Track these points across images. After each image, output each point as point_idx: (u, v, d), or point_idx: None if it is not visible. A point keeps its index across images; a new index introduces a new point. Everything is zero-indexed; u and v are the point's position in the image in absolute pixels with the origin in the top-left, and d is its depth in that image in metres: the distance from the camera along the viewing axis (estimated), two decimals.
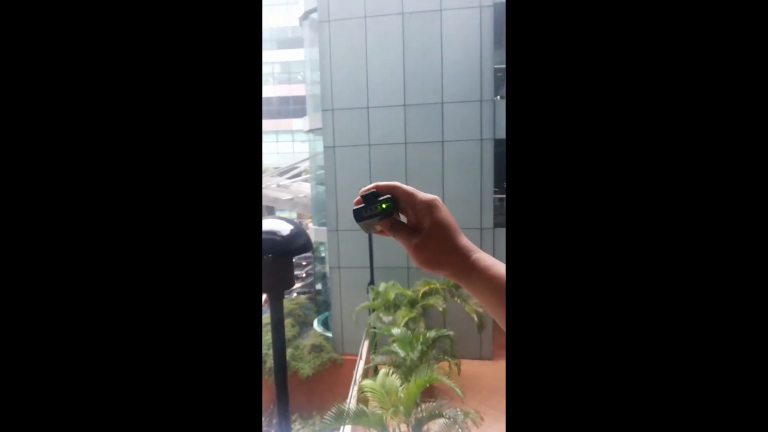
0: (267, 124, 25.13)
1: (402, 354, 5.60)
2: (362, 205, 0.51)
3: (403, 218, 0.53)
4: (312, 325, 9.61)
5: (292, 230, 1.94)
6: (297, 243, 1.96)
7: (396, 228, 0.52)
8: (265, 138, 25.29)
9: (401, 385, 4.81)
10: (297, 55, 23.24)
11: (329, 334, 9.09)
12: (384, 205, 0.50)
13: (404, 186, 0.51)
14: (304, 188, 13.18)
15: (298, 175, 14.37)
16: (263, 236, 1.93)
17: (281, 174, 15.67)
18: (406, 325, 6.35)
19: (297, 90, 23.89)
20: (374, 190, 0.51)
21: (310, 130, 9.84)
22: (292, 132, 24.61)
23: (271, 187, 13.76)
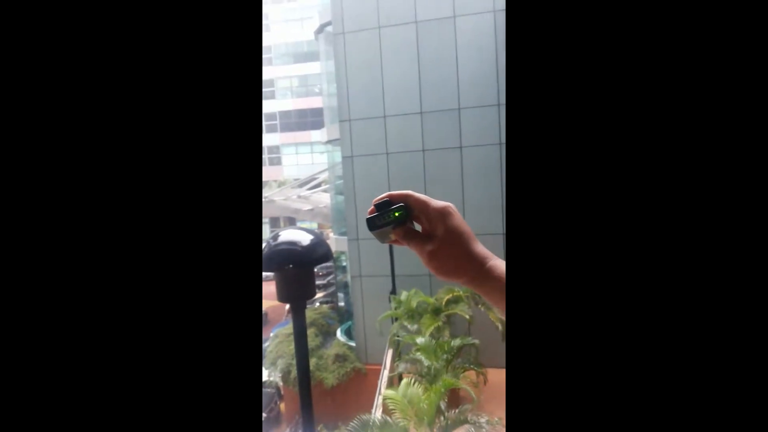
0: (286, 137, 25.64)
1: (426, 363, 5.53)
2: (375, 213, 0.51)
3: (417, 226, 0.53)
4: (335, 334, 9.61)
5: (312, 240, 1.95)
6: (318, 253, 1.97)
7: (410, 236, 0.51)
8: (284, 150, 25.78)
9: (424, 394, 4.75)
10: (314, 68, 23.72)
11: (353, 344, 9.07)
12: (397, 214, 0.50)
13: (417, 194, 0.51)
14: (323, 198, 13.33)
15: (318, 185, 14.56)
16: (284, 247, 1.96)
17: (301, 185, 15.91)
18: (431, 333, 6.28)
19: (314, 102, 24.32)
20: (387, 198, 0.51)
21: (329, 141, 9.97)
22: (310, 144, 25.01)
23: (291, 198, 13.97)
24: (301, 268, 1.90)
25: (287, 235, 2.03)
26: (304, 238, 1.96)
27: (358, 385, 8.30)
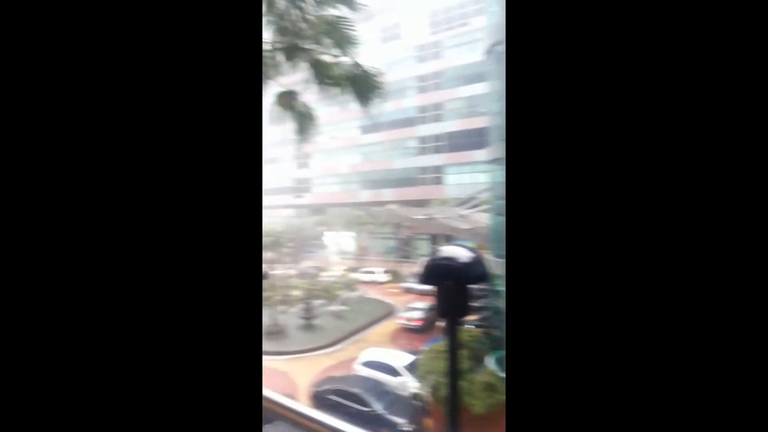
0: (450, 158, 26.24)
1: None
2: None
3: None
4: (483, 360, 9.17)
5: (471, 258, 1.95)
6: (475, 272, 1.95)
7: None
8: (447, 170, 26.40)
9: None
10: (480, 89, 23.75)
11: (503, 375, 8.49)
12: None
13: None
14: (482, 219, 13.06)
15: (478, 205, 14.37)
16: (443, 262, 2.01)
17: (460, 204, 15.97)
18: None
19: (478, 123, 24.27)
20: None
21: (492, 161, 9.78)
22: (472, 164, 24.97)
23: (451, 216, 14.16)
24: (458, 284, 1.90)
25: (446, 251, 2.07)
26: (463, 255, 1.97)
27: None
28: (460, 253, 2.02)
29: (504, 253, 8.66)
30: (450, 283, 1.90)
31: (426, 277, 1.91)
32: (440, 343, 9.68)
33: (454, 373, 1.95)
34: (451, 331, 1.88)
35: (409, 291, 18.54)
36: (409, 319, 16.17)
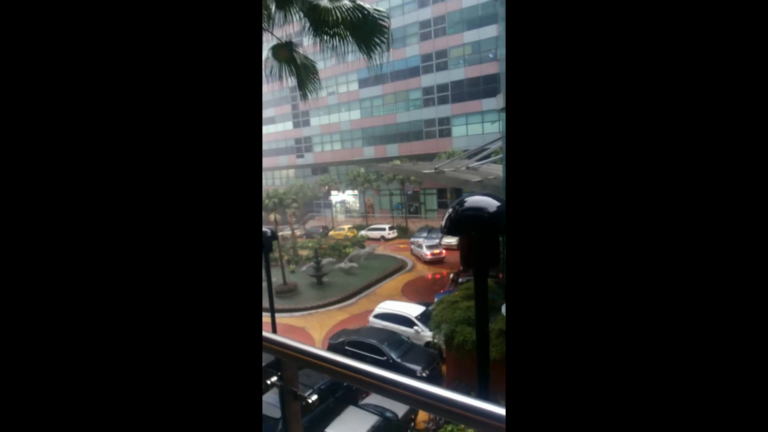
0: (457, 108, 25.49)
1: None
2: None
3: None
4: (500, 309, 9.40)
5: (499, 207, 1.86)
6: (504, 220, 1.87)
7: None
8: (455, 122, 25.74)
9: None
10: (488, 32, 22.53)
11: None
12: None
13: None
14: (493, 170, 12.86)
15: (488, 156, 14.10)
16: (470, 212, 1.92)
17: (470, 156, 15.69)
18: None
19: (488, 69, 23.29)
20: None
21: (503, 108, 9.42)
22: (481, 113, 24.27)
23: (460, 169, 13.96)
24: (487, 234, 1.84)
25: (473, 201, 1.99)
26: (491, 205, 1.88)
27: None
28: (484, 203, 1.92)
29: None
30: (474, 235, 1.83)
31: (450, 228, 1.83)
32: (453, 294, 9.87)
33: (482, 320, 1.93)
34: (478, 280, 1.84)
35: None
36: (430, 254, 16.76)
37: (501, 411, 0.46)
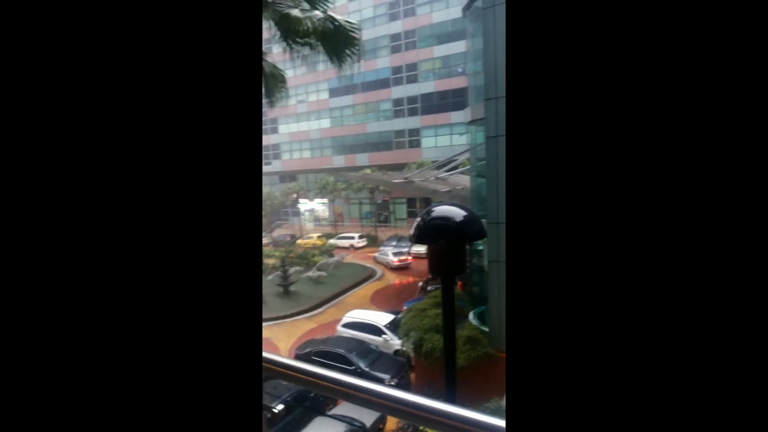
0: (426, 120, 25.97)
1: None
2: None
3: None
4: (466, 317, 9.57)
5: (466, 217, 1.94)
6: (472, 229, 1.96)
7: None
8: (424, 133, 26.19)
9: None
10: (457, 48, 23.21)
11: (485, 329, 8.90)
12: None
13: None
14: (461, 181, 13.18)
15: (456, 167, 14.44)
16: (438, 222, 1.99)
17: (439, 167, 16.02)
18: None
19: (456, 83, 23.93)
20: None
21: (472, 122, 9.72)
22: (450, 125, 24.83)
23: (429, 179, 14.21)
24: (454, 243, 1.91)
25: (441, 211, 2.06)
26: (458, 215, 1.96)
27: (489, 371, 8.14)
28: (452, 212, 2.00)
29: (485, 213, 8.87)
30: (442, 243, 1.89)
31: (419, 236, 1.89)
32: (422, 302, 9.96)
33: (449, 327, 1.99)
34: (445, 287, 1.90)
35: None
36: (397, 260, 16.82)
37: (470, 414, 0.46)
